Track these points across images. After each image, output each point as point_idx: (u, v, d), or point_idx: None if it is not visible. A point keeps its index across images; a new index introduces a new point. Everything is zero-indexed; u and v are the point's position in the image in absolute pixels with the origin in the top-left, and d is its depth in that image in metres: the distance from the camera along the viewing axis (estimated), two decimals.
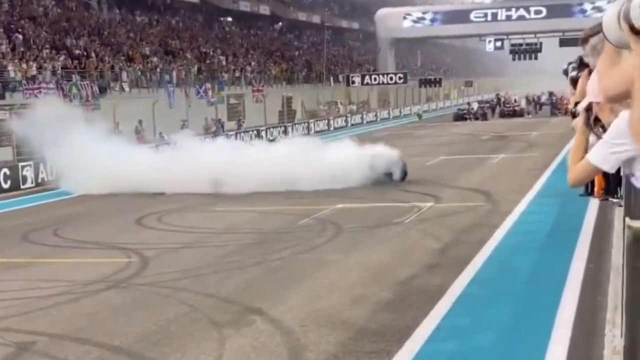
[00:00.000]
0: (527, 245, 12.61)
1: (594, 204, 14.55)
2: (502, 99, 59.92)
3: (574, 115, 3.84)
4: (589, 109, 3.53)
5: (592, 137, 3.52)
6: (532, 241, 12.88)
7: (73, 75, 35.66)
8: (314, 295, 10.10)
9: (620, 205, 10.20)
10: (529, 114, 55.15)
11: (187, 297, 10.35)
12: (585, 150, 3.44)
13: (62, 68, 36.32)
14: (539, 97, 59.50)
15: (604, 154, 3.16)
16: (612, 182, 13.66)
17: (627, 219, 4.42)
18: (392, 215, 16.34)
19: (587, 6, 62.53)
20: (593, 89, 3.46)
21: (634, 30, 2.11)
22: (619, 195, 12.86)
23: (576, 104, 3.87)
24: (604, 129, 3.41)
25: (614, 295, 8.12)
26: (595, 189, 14.63)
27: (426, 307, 9.13)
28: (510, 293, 9.76)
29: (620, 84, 2.64)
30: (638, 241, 3.66)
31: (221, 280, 11.24)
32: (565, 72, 5.58)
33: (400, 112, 66.13)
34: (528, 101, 58.17)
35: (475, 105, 56.82)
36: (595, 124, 3.52)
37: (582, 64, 5.64)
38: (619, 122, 3.05)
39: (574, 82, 7.34)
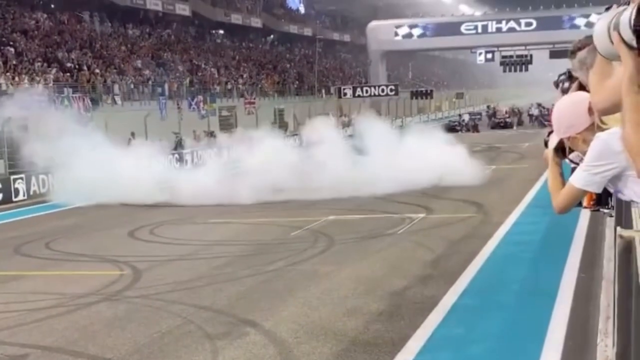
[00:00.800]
0: (519, 256, 12.66)
1: (585, 214, 14.61)
2: (492, 111, 60.11)
3: (546, 145, 3.85)
4: (559, 147, 3.53)
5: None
6: (524, 252, 12.94)
7: (65, 89, 35.64)
8: (307, 307, 10.11)
9: (611, 216, 10.23)
10: (512, 126, 55.40)
11: (180, 309, 10.34)
12: (562, 177, 3.47)
13: (54, 81, 36.30)
14: (519, 110, 59.74)
15: (588, 176, 3.18)
16: (603, 193, 13.70)
17: (619, 229, 4.45)
18: (384, 226, 16.38)
19: (577, 18, 62.89)
20: (560, 125, 3.47)
21: (624, 43, 2.14)
22: (609, 206, 12.91)
23: (549, 133, 3.87)
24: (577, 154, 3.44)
25: (605, 305, 8.13)
26: (586, 200, 14.69)
27: (419, 318, 9.15)
28: (502, 304, 9.79)
29: (610, 97, 2.66)
30: (629, 250, 3.69)
31: (214, 292, 11.24)
32: (557, 84, 5.62)
33: (392, 123, 66.19)
34: (514, 112, 58.45)
35: (466, 117, 56.98)
36: (568, 153, 3.54)
37: (572, 76, 5.67)
38: (599, 144, 3.07)
39: (565, 93, 7.38)
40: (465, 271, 11.54)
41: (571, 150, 3.50)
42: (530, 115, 58.05)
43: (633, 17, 1.99)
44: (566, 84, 6.46)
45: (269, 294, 10.94)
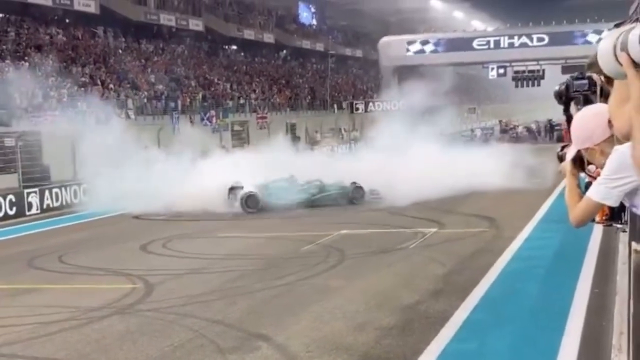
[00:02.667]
0: (531, 271, 12.62)
1: (597, 229, 14.55)
2: (505, 126, 60.14)
3: (561, 159, 3.82)
4: (577, 158, 3.52)
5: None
6: (537, 267, 12.89)
7: (79, 103, 35.82)
8: (318, 321, 10.11)
9: (624, 231, 10.20)
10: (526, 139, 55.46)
11: (192, 323, 10.35)
12: (579, 189, 3.45)
13: (67, 96, 36.49)
14: (514, 126, 60.03)
15: (605, 190, 3.16)
16: (616, 208, 13.66)
17: (634, 244, 4.45)
18: (396, 241, 16.36)
19: (589, 34, 62.80)
20: (578, 136, 3.46)
21: (634, 63, 2.10)
22: (622, 221, 12.86)
23: (563, 147, 3.84)
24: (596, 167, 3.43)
25: (619, 321, 8.10)
26: (598, 215, 14.64)
27: (430, 333, 9.14)
28: (515, 319, 9.76)
29: (630, 121, 2.62)
30: None
31: (226, 306, 11.25)
32: (559, 95, 5.58)
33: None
34: (503, 130, 58.72)
35: (478, 132, 56.96)
36: (586, 165, 3.53)
37: (568, 86, 5.67)
38: (618, 157, 3.04)
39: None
40: (477, 286, 11.51)
41: (589, 163, 3.50)
42: (529, 129, 58.28)
43: None
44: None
45: (281, 308, 10.94)
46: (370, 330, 9.51)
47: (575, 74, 5.71)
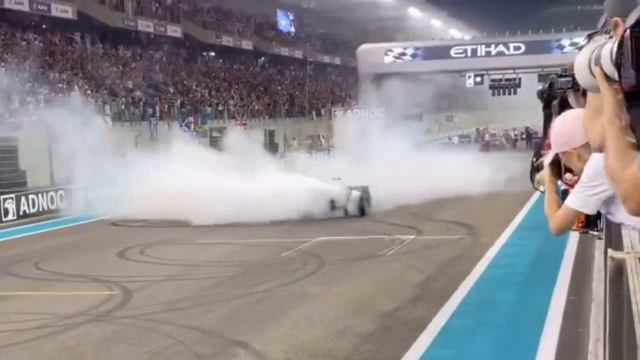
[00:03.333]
0: (508, 278, 12.69)
1: (574, 236, 14.65)
2: (482, 134, 60.55)
3: (537, 169, 3.85)
4: (554, 161, 3.55)
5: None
6: (514, 274, 12.97)
7: (56, 109, 35.58)
8: (297, 328, 10.10)
9: (600, 238, 10.28)
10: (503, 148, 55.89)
11: (170, 329, 10.31)
12: (558, 196, 3.48)
13: (44, 102, 36.25)
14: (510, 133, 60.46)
15: (583, 197, 3.19)
16: (592, 215, 13.76)
17: (610, 250, 4.50)
18: (374, 247, 16.39)
19: (565, 42, 63.34)
20: (557, 140, 3.49)
21: (606, 76, 2.13)
22: (598, 228, 12.97)
23: (538, 157, 3.87)
24: (572, 174, 3.46)
25: (595, 328, 8.17)
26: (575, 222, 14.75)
27: (409, 340, 9.16)
28: (492, 325, 9.80)
29: (602, 133, 2.65)
30: (620, 272, 3.73)
31: (204, 312, 11.21)
32: (541, 94, 5.62)
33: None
34: (480, 136, 59.09)
35: (455, 140, 57.26)
36: (563, 172, 3.55)
37: (552, 85, 5.73)
38: (595, 164, 3.06)
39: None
40: (455, 293, 11.56)
41: (566, 170, 3.53)
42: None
43: (615, 50, 2.01)
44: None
45: (259, 315, 10.93)
46: (349, 336, 9.52)
47: (559, 71, 5.76)
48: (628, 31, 1.90)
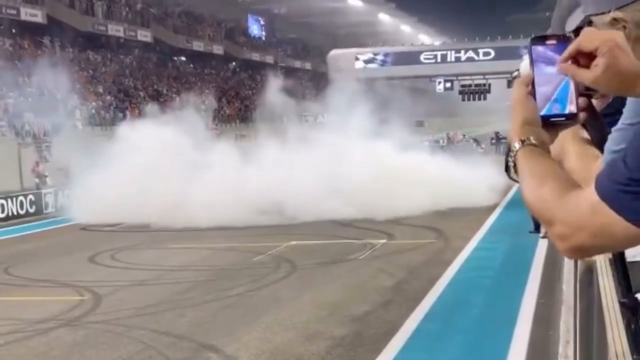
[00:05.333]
0: (479, 282, 12.81)
1: (543, 240, 14.83)
2: (452, 139, 61.02)
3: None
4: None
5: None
6: (484, 277, 13.09)
7: (25, 113, 35.29)
8: (269, 332, 10.12)
9: None
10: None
11: (141, 334, 10.27)
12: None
13: (14, 106, 35.92)
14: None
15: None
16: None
17: None
18: (345, 252, 16.44)
19: None
20: None
21: None
22: None
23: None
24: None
25: (565, 330, 8.26)
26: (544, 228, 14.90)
27: (381, 343, 9.22)
28: (463, 329, 9.89)
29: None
30: (590, 272, 3.80)
31: (175, 317, 11.19)
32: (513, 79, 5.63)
33: None
34: (450, 141, 59.58)
35: (426, 144, 57.55)
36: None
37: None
38: None
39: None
40: (426, 296, 11.64)
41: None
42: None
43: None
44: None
45: (231, 320, 10.93)
46: (321, 340, 9.55)
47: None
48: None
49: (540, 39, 1.41)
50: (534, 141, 1.38)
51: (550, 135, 1.40)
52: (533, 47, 1.39)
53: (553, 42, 1.39)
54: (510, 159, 1.38)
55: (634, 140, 1.20)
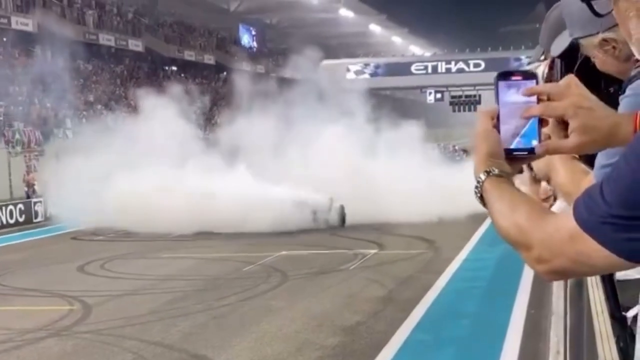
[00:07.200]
0: (469, 292, 12.82)
1: None
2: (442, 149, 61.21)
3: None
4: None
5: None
6: (475, 287, 13.11)
7: (15, 122, 35.22)
8: (259, 342, 10.10)
9: None
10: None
11: (131, 345, 10.24)
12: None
13: (4, 115, 35.85)
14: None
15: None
16: None
17: None
18: (336, 262, 16.44)
19: (524, 60, 64.30)
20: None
21: None
22: None
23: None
24: None
25: (555, 340, 8.29)
26: None
27: (371, 353, 9.21)
28: (453, 339, 9.90)
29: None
30: (580, 284, 3.82)
31: (166, 327, 11.15)
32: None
33: None
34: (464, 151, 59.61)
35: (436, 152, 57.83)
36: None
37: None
38: None
39: None
40: (416, 307, 11.65)
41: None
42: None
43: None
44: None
45: (222, 330, 10.91)
46: (311, 350, 9.54)
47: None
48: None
49: (506, 75, 1.46)
50: (498, 172, 1.40)
51: (513, 168, 1.43)
52: (499, 82, 1.44)
53: (519, 78, 1.42)
54: (476, 190, 1.40)
55: (612, 172, 1.19)
